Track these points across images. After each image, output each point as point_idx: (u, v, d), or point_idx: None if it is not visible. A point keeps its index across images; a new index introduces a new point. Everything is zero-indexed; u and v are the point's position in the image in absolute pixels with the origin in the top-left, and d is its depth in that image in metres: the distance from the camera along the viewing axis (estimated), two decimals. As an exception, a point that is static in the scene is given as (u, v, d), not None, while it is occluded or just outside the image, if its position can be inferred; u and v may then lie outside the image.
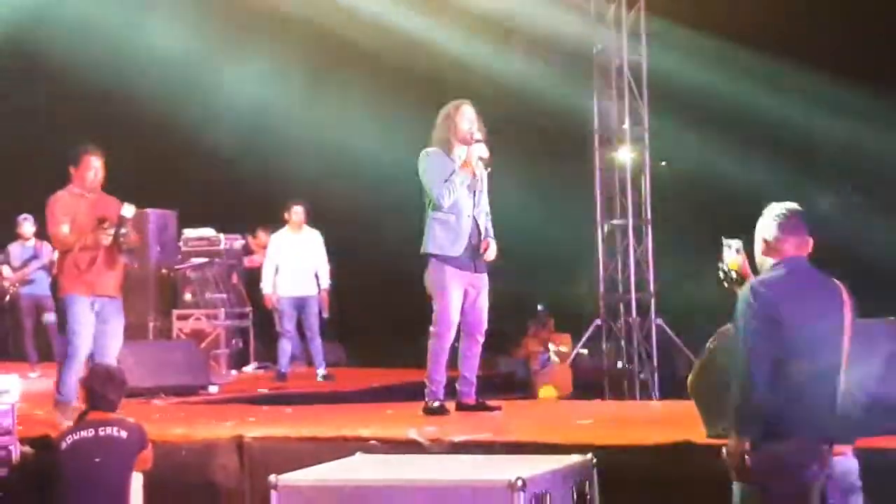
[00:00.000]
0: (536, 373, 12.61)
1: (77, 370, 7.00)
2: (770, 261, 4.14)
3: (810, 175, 14.53)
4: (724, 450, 4.03)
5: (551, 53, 13.31)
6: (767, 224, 4.14)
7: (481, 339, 6.99)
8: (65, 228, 7.09)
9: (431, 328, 6.83)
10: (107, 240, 7.05)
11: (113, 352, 7.05)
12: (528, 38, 13.32)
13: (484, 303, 6.90)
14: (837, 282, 4.13)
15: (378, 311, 14.43)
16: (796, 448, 3.90)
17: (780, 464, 3.89)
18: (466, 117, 6.83)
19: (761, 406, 3.89)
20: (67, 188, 7.24)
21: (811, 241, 4.15)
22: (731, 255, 4.39)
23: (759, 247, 4.19)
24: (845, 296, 4.07)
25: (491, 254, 6.85)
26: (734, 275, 4.38)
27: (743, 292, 4.06)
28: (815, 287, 4.08)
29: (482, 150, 6.78)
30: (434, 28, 13.30)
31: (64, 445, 5.39)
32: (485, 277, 6.91)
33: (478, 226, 6.83)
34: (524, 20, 12.95)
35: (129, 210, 7.17)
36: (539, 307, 13.55)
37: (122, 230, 7.09)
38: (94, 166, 7.19)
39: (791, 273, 4.06)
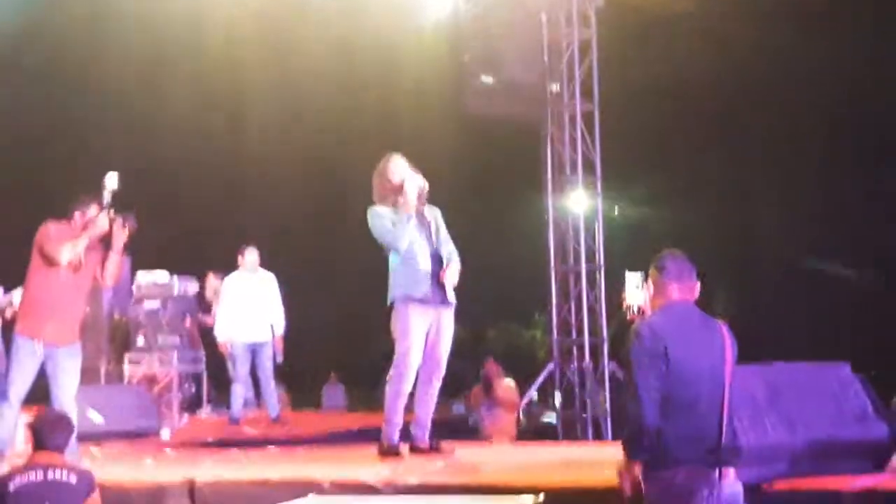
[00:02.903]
0: (483, 418, 12.57)
1: (11, 412, 6.87)
2: (657, 304, 4.44)
3: (756, 223, 14.74)
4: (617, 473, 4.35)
5: (506, 101, 13.41)
6: (654, 270, 4.45)
7: (438, 384, 6.95)
8: (68, 247, 6.84)
9: (392, 370, 6.78)
10: (103, 221, 6.88)
11: (69, 395, 6.91)
12: (483, 86, 13.41)
13: (445, 346, 6.85)
14: (720, 322, 4.42)
15: (331, 357, 14.37)
16: (686, 474, 4.18)
17: (672, 489, 4.18)
18: (394, 170, 6.89)
19: (651, 431, 4.19)
20: (63, 222, 7.01)
21: (697, 286, 4.46)
22: (632, 289, 4.60)
23: (647, 291, 4.50)
24: (726, 335, 4.36)
25: (453, 275, 6.82)
26: (636, 308, 4.58)
27: (632, 330, 4.34)
28: (697, 327, 4.37)
29: (415, 184, 6.81)
30: (388, 70, 13.35)
31: (11, 488, 5.27)
32: (450, 315, 6.87)
33: (441, 265, 6.83)
34: (480, 67, 13.02)
35: (111, 180, 7.04)
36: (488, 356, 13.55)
37: (107, 200, 6.92)
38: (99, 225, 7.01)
39: (675, 314, 4.36)
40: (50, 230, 6.95)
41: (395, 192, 6.85)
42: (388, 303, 6.79)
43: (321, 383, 16.52)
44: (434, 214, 6.94)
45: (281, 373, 12.73)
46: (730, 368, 4.26)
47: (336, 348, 11.54)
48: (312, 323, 10.82)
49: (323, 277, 14.44)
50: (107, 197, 6.99)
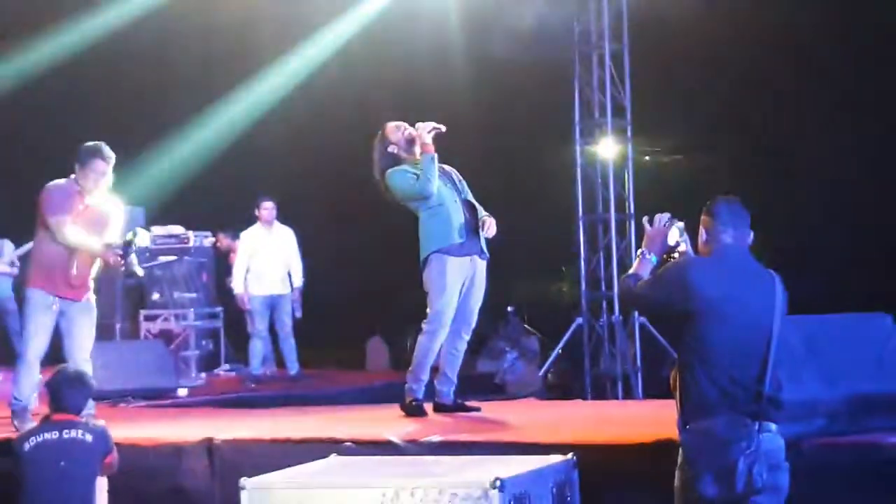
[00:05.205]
0: (504, 373, 12.63)
1: (30, 372, 6.90)
2: (708, 252, 4.44)
3: (792, 170, 14.59)
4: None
5: (531, 42, 13.31)
6: (706, 216, 4.44)
7: (467, 338, 6.97)
8: (71, 228, 6.85)
9: (424, 325, 6.80)
10: (114, 261, 6.91)
11: (85, 352, 6.96)
12: (507, 28, 13.32)
13: (477, 300, 6.88)
14: (773, 273, 4.42)
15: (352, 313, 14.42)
16: (724, 424, 4.20)
17: (709, 439, 4.21)
18: (395, 131, 6.89)
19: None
20: (68, 181, 6.98)
21: (751, 234, 4.45)
22: (675, 236, 4.57)
23: (700, 238, 4.48)
24: (778, 287, 4.36)
25: (491, 229, 6.84)
26: (677, 256, 4.57)
27: (675, 259, 4.47)
28: (747, 274, 4.38)
29: (427, 124, 6.80)
30: (410, 17, 13.28)
31: (26, 447, 5.37)
32: (483, 269, 6.87)
33: (471, 207, 6.84)
34: (504, 7, 12.93)
35: (143, 237, 7.05)
36: (508, 308, 13.54)
37: (131, 253, 6.89)
38: (100, 171, 6.95)
39: (724, 259, 4.37)
40: (53, 195, 6.92)
41: (404, 148, 6.84)
42: (422, 259, 6.79)
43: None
44: (450, 169, 6.94)
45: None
46: (778, 318, 4.28)
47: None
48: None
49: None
50: (130, 251, 6.92)
